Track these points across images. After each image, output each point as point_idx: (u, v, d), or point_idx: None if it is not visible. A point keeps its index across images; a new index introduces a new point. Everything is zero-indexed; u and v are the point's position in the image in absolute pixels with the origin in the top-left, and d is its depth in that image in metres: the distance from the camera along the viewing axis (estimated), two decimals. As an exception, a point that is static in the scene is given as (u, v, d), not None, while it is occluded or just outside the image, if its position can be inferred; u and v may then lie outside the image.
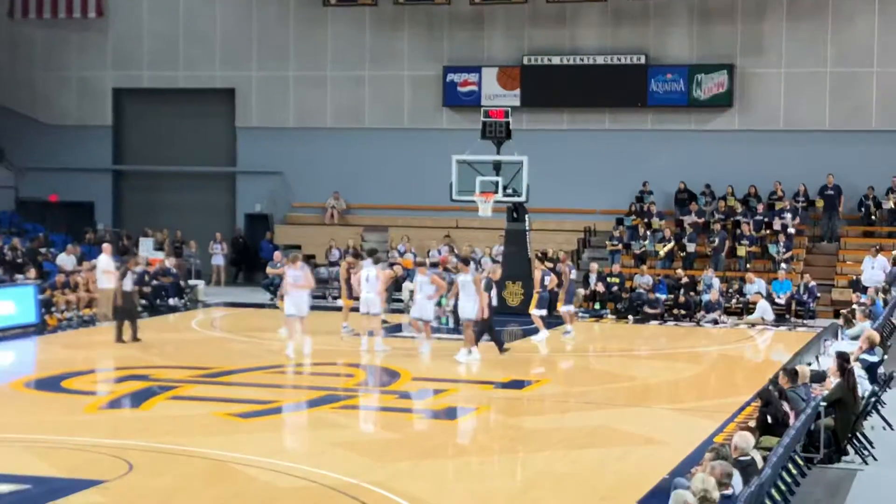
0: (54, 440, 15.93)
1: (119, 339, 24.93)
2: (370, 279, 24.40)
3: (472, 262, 27.89)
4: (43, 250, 34.24)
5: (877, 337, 19.05)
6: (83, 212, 40.83)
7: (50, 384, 20.60)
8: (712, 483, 10.42)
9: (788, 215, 33.76)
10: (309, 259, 36.20)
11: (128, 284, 25.53)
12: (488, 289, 23.84)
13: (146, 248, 35.78)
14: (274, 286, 34.07)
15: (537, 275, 26.78)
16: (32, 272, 29.81)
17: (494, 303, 24.26)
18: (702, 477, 10.52)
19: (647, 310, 30.83)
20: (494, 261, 27.10)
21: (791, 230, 33.66)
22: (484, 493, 13.64)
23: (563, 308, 27.37)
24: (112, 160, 41.68)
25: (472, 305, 23.50)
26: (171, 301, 32.26)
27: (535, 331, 26.52)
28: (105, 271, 27.92)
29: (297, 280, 23.73)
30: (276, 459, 14.92)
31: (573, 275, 28.19)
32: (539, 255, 30.48)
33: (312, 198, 39.46)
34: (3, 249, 32.36)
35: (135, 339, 25.06)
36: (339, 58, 39.18)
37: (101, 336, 25.76)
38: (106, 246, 29.69)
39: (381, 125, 38.92)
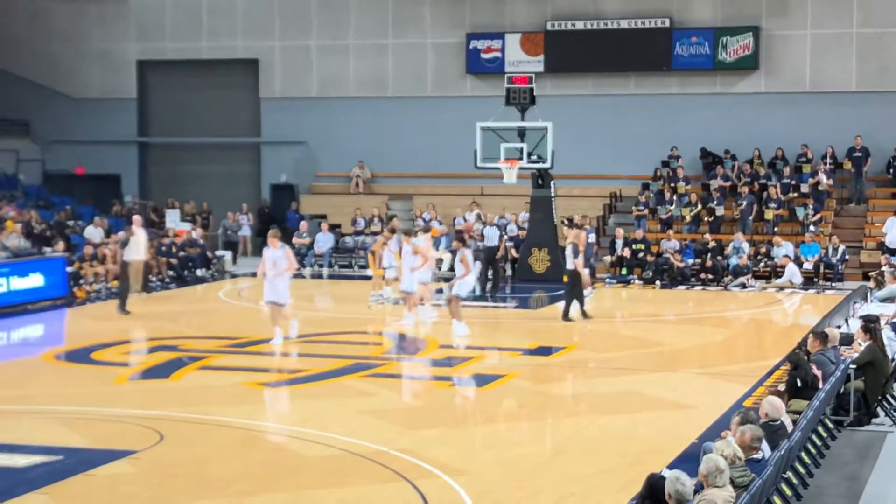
0: (85, 411, 16.03)
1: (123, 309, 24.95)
2: (406, 252, 24.44)
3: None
4: (70, 223, 34.40)
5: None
6: (109, 184, 40.96)
7: (80, 356, 20.71)
8: (738, 448, 10.41)
9: (821, 176, 33.55)
10: (334, 228, 36.32)
11: (127, 254, 25.45)
12: (575, 254, 23.80)
13: (172, 219, 35.90)
14: (300, 256, 34.24)
15: (583, 235, 26.23)
16: (60, 245, 29.95)
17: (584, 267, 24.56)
18: (727, 442, 10.51)
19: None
20: (574, 225, 26.74)
21: (820, 192, 33.47)
22: (512, 460, 13.65)
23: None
24: (137, 132, 41.76)
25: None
26: (199, 272, 32.41)
27: (562, 297, 26.50)
28: (136, 242, 28.05)
29: (277, 262, 21.18)
30: (304, 428, 14.98)
31: (592, 238, 28.15)
32: (565, 221, 30.37)
33: (337, 167, 39.46)
34: (31, 222, 32.52)
35: (123, 310, 24.91)
36: (362, 26, 39.09)
37: (130, 308, 25.87)
38: (136, 218, 29.79)
39: (405, 93, 38.84)
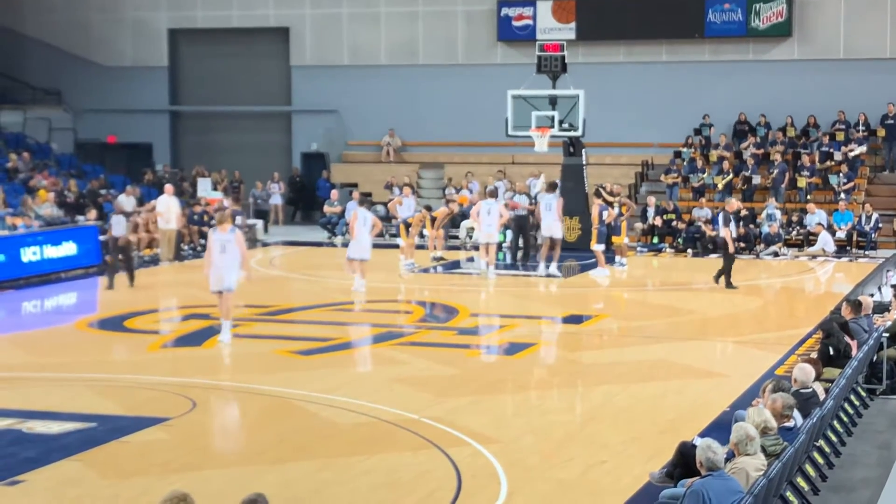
0: (118, 379, 16.15)
1: (110, 285, 24.59)
2: (492, 212, 25.93)
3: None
4: (103, 191, 34.54)
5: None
6: (141, 153, 41.12)
7: (113, 324, 20.85)
8: (769, 415, 10.40)
9: (854, 145, 33.31)
10: (366, 196, 36.33)
11: (118, 229, 24.94)
12: (726, 222, 24.10)
13: (204, 188, 35.99)
14: (331, 224, 34.31)
15: (595, 210, 26.72)
16: (93, 213, 30.09)
17: (734, 234, 24.91)
18: (758, 409, 10.50)
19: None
20: (609, 194, 27.57)
21: (853, 160, 33.25)
22: (543, 427, 13.68)
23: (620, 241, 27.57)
24: (169, 101, 41.86)
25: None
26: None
27: (594, 265, 26.52)
28: (166, 210, 28.17)
29: (226, 246, 18.56)
30: (336, 395, 15.04)
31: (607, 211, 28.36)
32: (596, 189, 30.31)
33: (368, 136, 39.45)
34: (64, 191, 32.68)
35: (110, 286, 24.58)
36: (393, -6, 39.01)
37: (163, 276, 25.99)
38: (168, 187, 29.92)
39: (436, 62, 38.74)
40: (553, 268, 26.41)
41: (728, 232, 24.00)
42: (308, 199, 39.32)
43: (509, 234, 29.53)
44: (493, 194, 27.66)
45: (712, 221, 31.28)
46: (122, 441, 12.99)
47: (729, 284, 24.15)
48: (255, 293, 22.17)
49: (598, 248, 26.38)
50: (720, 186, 33.60)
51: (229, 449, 12.92)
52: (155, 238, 29.38)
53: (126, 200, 32.59)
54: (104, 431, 13.29)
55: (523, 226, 29.37)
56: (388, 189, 35.67)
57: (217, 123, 41.58)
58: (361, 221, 24.17)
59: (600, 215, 26.49)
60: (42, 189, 31.45)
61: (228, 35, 40.78)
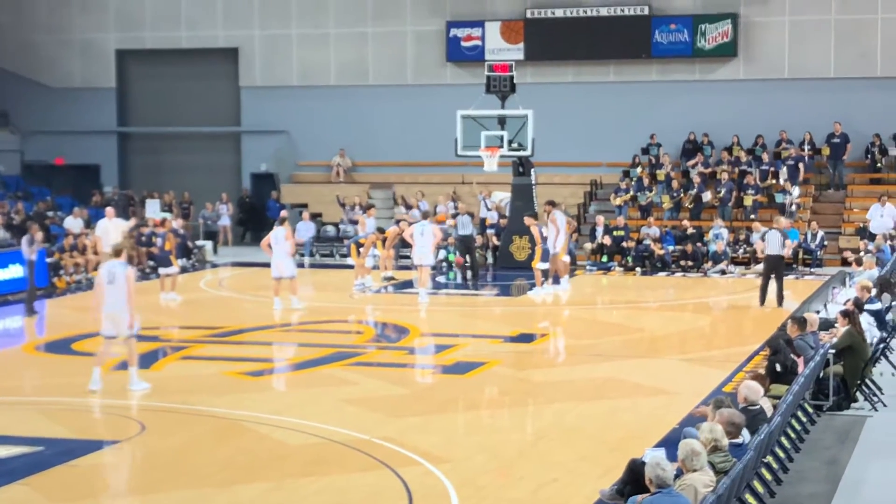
0: (66, 402, 16.01)
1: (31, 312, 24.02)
2: (425, 234, 25.72)
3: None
4: (50, 213, 34.29)
5: (870, 284, 19.08)
6: (89, 174, 40.87)
7: (60, 346, 20.68)
8: (720, 431, 10.48)
9: (797, 164, 33.71)
10: (315, 217, 36.31)
11: (28, 252, 24.17)
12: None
13: (152, 209, 35.82)
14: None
15: (535, 230, 26.73)
16: (40, 235, 29.80)
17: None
18: (709, 426, 10.57)
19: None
20: (551, 203, 27.75)
21: (798, 179, 33.63)
22: (494, 446, 13.71)
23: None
24: (117, 122, 41.65)
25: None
26: (179, 262, 32.26)
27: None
28: (105, 233, 27.99)
29: (113, 280, 16.52)
30: (287, 417, 15.00)
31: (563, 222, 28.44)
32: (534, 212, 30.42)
33: (318, 156, 39.44)
34: (11, 213, 32.40)
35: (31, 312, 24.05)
36: (342, 14, 39.05)
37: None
38: (109, 210, 29.75)
39: (385, 82, 38.83)
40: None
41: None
42: (258, 219, 39.21)
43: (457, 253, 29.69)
44: (427, 216, 27.79)
45: (661, 240, 31.57)
46: (70, 465, 12.87)
47: (781, 301, 24.39)
48: (204, 315, 22.03)
49: (541, 266, 26.45)
50: (669, 205, 33.87)
51: (179, 471, 12.83)
52: (101, 261, 29.14)
53: (73, 222, 32.42)
54: (52, 455, 13.17)
55: (469, 246, 29.52)
56: (341, 206, 35.68)
57: (166, 144, 41.41)
58: (274, 240, 24.45)
59: (542, 234, 26.56)
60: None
61: (177, 56, 40.65)
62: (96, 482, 12.33)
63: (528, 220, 27.04)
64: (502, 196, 33.48)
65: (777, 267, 24.38)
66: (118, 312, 16.47)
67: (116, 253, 16.92)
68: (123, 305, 16.46)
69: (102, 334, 16.71)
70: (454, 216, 31.20)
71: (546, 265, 26.51)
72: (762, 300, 24.40)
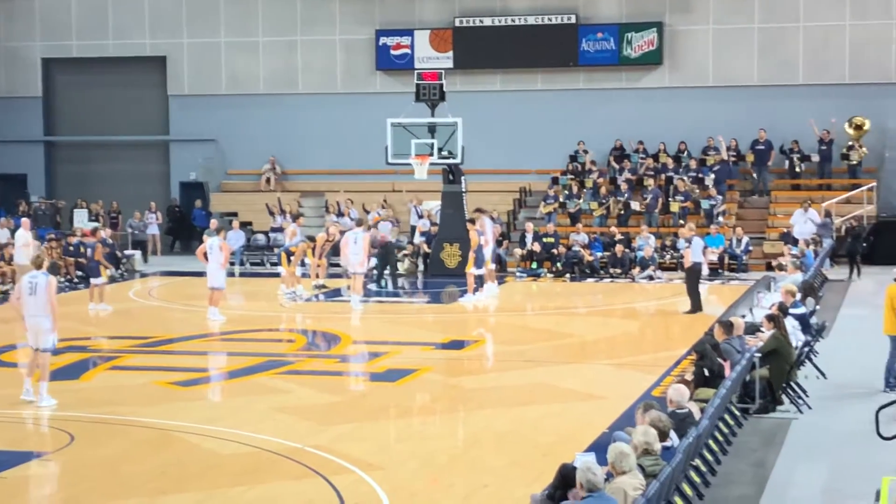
0: (-6, 414, 15.85)
1: None
2: (358, 242, 25.76)
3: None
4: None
5: (795, 289, 19.39)
6: (15, 184, 40.40)
7: (-13, 358, 20.45)
8: (654, 434, 10.62)
9: (720, 170, 34.16)
10: (245, 226, 36.17)
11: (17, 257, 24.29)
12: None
13: (80, 219, 35.50)
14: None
15: (473, 235, 26.86)
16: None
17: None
18: (643, 429, 10.71)
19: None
20: (479, 211, 27.98)
21: (723, 185, 34.11)
22: (426, 453, 13.78)
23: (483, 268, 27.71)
24: (43, 131, 41.22)
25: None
26: (108, 272, 31.98)
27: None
28: (24, 245, 27.71)
29: (34, 291, 16.34)
30: (218, 426, 14.96)
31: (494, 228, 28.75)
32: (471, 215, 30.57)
33: (248, 164, 39.30)
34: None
35: None
36: (271, 23, 38.96)
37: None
38: (25, 221, 29.49)
39: (315, 90, 38.79)
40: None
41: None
42: (187, 229, 38.99)
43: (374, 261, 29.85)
44: (361, 223, 27.82)
45: (590, 246, 31.83)
46: (-1, 477, 12.78)
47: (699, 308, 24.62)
48: (134, 325, 21.89)
49: (474, 271, 26.59)
50: (598, 211, 34.14)
51: (109, 483, 12.76)
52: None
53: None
54: (-20, 468, 13.05)
55: (388, 253, 29.73)
56: (270, 215, 35.58)
57: (94, 153, 41.04)
58: (209, 249, 24.38)
59: (479, 240, 26.69)
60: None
61: (104, 64, 40.32)
62: (25, 494, 12.24)
63: (469, 226, 27.20)
64: (434, 205, 33.56)
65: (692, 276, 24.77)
66: (40, 323, 16.32)
67: (38, 264, 16.74)
68: (44, 316, 16.29)
69: (28, 345, 16.63)
70: (376, 224, 31.32)
71: (481, 271, 26.67)
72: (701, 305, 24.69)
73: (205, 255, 24.57)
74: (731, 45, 36.00)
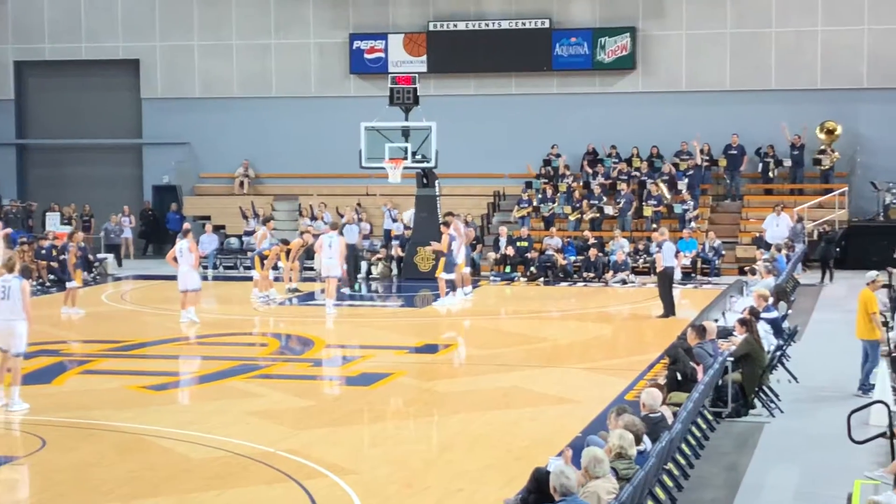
0: (-35, 419, 15.75)
1: None
2: (333, 245, 25.52)
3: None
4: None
5: (767, 293, 19.48)
6: (-13, 187, 40.22)
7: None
8: (630, 439, 10.64)
9: (693, 174, 34.29)
10: (218, 229, 36.08)
11: None
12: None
13: (53, 222, 35.33)
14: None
15: (445, 238, 26.90)
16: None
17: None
18: (619, 433, 10.73)
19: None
20: (450, 214, 28.05)
21: (696, 189, 34.24)
22: (400, 457, 13.77)
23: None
24: (15, 134, 41.03)
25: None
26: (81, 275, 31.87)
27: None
28: None
29: (7, 295, 16.19)
30: (190, 430, 14.90)
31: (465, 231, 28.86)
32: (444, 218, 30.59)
33: (221, 168, 39.22)
34: None
35: None
36: (244, 26, 38.91)
37: None
38: None
39: (289, 93, 38.75)
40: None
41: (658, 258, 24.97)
42: (160, 232, 38.86)
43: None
44: (335, 227, 27.83)
45: (563, 250, 31.90)
46: (-31, 482, 12.70)
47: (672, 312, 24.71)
48: (106, 329, 21.79)
49: (444, 276, 26.61)
50: (574, 216, 34.21)
51: (80, 487, 12.69)
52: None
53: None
54: (-50, 473, 12.97)
55: (354, 255, 29.84)
56: (244, 218, 35.51)
57: (66, 157, 40.87)
58: (178, 252, 24.35)
59: (450, 244, 26.71)
60: None
61: (77, 67, 40.18)
62: (-4, 499, 12.16)
63: (443, 228, 27.21)
64: (411, 214, 33.42)
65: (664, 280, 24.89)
66: (12, 327, 16.19)
67: (9, 267, 16.53)
68: (17, 320, 16.18)
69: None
70: (343, 226, 31.32)
71: (452, 275, 26.67)
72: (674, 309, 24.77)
73: (175, 259, 24.49)
74: (704, 50, 36.16)
